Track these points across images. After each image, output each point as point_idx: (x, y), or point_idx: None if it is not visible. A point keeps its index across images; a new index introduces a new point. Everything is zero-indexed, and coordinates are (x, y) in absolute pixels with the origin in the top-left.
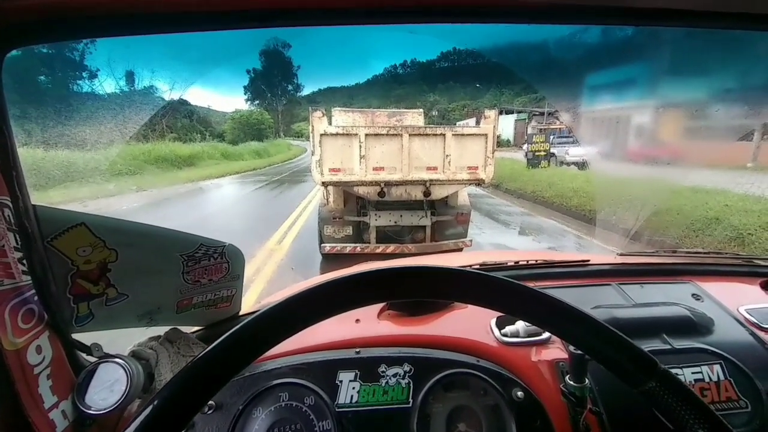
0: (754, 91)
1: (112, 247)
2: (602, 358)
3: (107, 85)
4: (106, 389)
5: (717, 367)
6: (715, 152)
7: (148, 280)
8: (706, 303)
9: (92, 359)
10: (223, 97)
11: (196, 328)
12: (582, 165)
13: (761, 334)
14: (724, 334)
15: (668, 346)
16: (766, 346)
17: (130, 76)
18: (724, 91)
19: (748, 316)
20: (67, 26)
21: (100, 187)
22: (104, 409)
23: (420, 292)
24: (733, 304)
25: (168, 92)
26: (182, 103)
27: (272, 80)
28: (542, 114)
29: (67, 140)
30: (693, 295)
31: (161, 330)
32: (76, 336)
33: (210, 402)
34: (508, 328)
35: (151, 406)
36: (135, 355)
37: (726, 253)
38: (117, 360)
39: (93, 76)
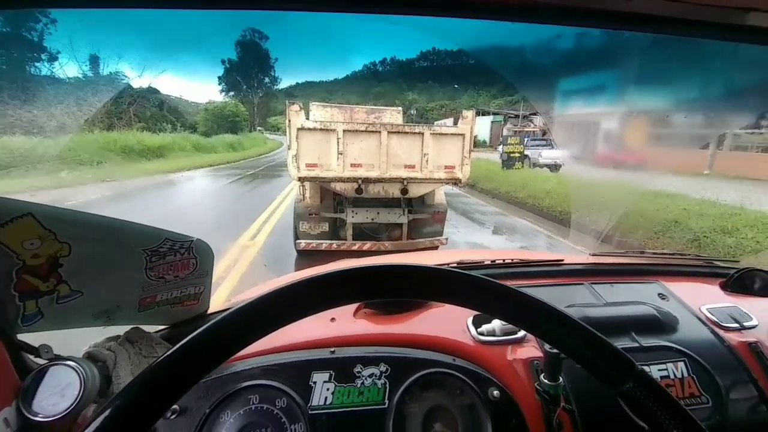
0: (717, 102)
1: (64, 240)
2: (580, 358)
3: (67, 68)
4: (57, 394)
5: (681, 365)
6: (676, 159)
7: (106, 276)
8: (671, 302)
9: (41, 362)
10: (196, 86)
11: (160, 328)
12: (554, 167)
13: (721, 332)
14: (688, 333)
15: (636, 344)
16: (725, 343)
17: (93, 60)
18: (689, 100)
19: (709, 315)
20: None
21: (56, 177)
22: (54, 416)
23: (398, 291)
24: (696, 304)
25: (136, 78)
26: (152, 91)
27: (248, 72)
28: (517, 117)
29: (13, 123)
30: (659, 294)
31: (121, 330)
32: (22, 336)
33: (173, 406)
34: (485, 327)
35: (107, 411)
36: (90, 356)
37: (690, 255)
38: (69, 363)
39: (53, 58)
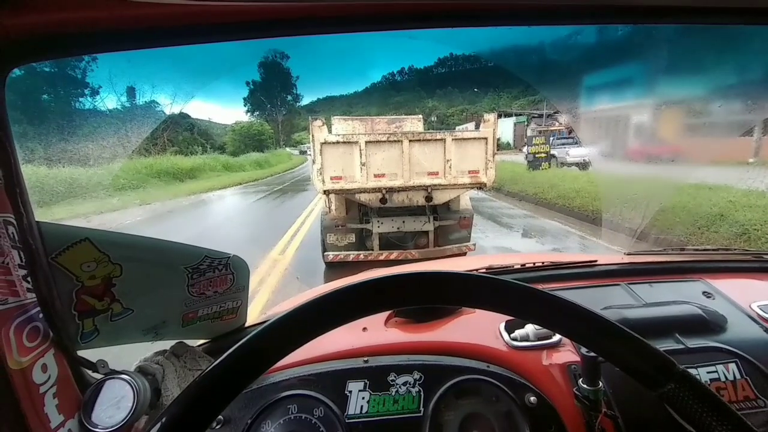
0: (754, 87)
1: (116, 261)
2: (619, 361)
3: (108, 101)
4: (113, 406)
5: (732, 366)
6: (717, 148)
7: (153, 294)
8: (717, 300)
9: (98, 376)
10: (224, 109)
11: (202, 341)
12: (583, 165)
13: None
14: (738, 332)
15: (682, 346)
16: None
17: (131, 92)
18: (725, 87)
19: (761, 313)
20: (69, 43)
21: (104, 202)
22: (111, 427)
23: (430, 298)
24: (745, 301)
25: (169, 106)
26: (183, 116)
27: (271, 91)
28: (541, 116)
29: (70, 156)
30: (704, 292)
31: (167, 344)
32: (81, 353)
33: (218, 416)
34: (518, 332)
35: (160, 422)
36: (141, 370)
37: (735, 250)
38: (123, 376)
39: (94, 92)
